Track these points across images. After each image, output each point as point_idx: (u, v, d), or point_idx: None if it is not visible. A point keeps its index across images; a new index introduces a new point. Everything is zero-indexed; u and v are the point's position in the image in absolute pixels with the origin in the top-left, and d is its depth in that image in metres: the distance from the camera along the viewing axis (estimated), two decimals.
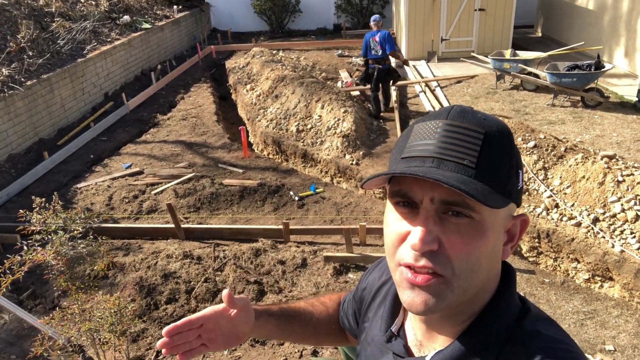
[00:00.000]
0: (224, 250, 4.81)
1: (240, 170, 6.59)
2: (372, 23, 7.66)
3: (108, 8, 11.16)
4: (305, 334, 1.19)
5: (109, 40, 10.06)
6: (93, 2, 11.08)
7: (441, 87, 8.92)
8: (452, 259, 0.72)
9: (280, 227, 4.93)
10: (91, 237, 3.44)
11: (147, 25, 11.39)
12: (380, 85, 7.82)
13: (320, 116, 7.17)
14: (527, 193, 4.94)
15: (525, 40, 11.95)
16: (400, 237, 0.76)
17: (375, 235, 4.94)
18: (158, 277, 4.38)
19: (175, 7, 13.24)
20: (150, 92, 9.84)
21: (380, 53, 7.54)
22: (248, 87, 9.37)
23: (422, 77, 9.50)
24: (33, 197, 3.33)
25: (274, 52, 11.69)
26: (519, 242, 0.93)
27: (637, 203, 4.29)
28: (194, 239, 5.06)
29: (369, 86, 8.01)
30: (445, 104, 8.10)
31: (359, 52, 11.89)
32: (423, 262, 0.72)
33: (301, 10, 14.64)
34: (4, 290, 4.04)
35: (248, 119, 8.40)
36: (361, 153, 6.39)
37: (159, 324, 4.03)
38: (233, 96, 10.19)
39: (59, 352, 3.39)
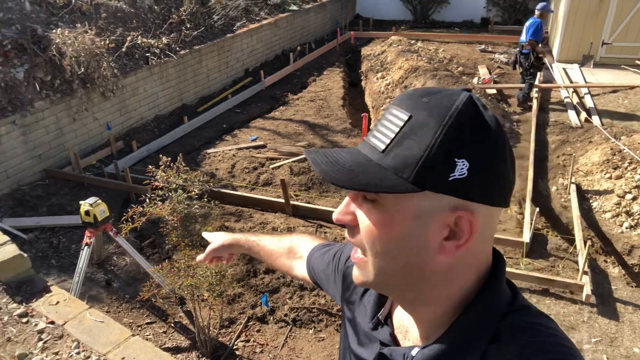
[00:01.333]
0: (325, 233, 4.84)
1: None
2: (536, 8, 7.75)
3: None
4: (266, 263, 1.48)
5: (257, 19, 10.61)
6: None
7: (592, 95, 7.95)
8: (363, 238, 0.75)
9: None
10: (206, 199, 3.66)
11: (294, 7, 11.80)
12: (520, 73, 8.00)
13: None
14: None
15: None
16: None
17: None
18: None
19: None
20: (286, 71, 10.21)
21: (522, 38, 7.70)
22: (379, 75, 9.26)
23: (571, 82, 8.56)
24: (161, 155, 3.62)
25: (412, 42, 11.39)
26: None
27: None
28: (299, 217, 5.17)
29: (505, 85, 7.65)
30: (594, 114, 7.21)
31: (504, 49, 11.12)
32: (346, 233, 0.80)
33: (449, 1, 14.05)
34: (130, 236, 4.50)
35: (373, 107, 8.31)
36: None
37: (255, 291, 4.19)
38: (363, 83, 10.17)
39: (162, 300, 3.69)
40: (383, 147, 0.70)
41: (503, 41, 11.68)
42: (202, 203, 3.62)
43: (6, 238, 3.32)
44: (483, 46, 11.47)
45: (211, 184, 4.80)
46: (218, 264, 1.54)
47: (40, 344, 2.65)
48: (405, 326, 0.85)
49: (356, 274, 0.80)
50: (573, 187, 5.50)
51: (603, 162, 5.66)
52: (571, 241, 4.75)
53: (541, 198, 5.61)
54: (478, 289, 0.76)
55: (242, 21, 10.13)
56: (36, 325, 2.78)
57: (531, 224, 4.78)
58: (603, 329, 3.81)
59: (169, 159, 3.69)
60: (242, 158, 6.46)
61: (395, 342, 0.85)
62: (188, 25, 8.89)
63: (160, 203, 3.59)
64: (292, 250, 1.35)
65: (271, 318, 4.01)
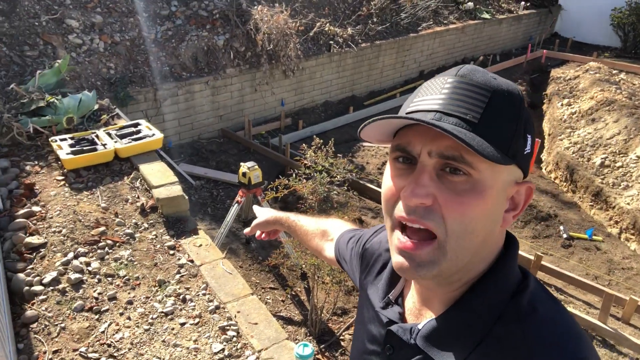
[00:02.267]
0: None
1: None
2: None
3: None
4: (303, 243, 1.50)
5: (445, 22, 10.40)
6: None
7: None
8: (446, 218, 0.69)
9: (532, 257, 4.40)
10: (346, 188, 3.75)
11: (486, 16, 11.29)
12: None
13: (638, 157, 5.94)
14: None
15: None
16: (395, 193, 0.75)
17: None
18: None
19: (522, 3, 12.69)
20: None
21: None
22: (565, 101, 8.41)
23: None
24: (315, 136, 3.79)
25: (614, 72, 10.08)
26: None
27: None
28: None
29: None
30: None
31: None
32: (414, 216, 0.71)
33: None
34: (275, 205, 4.81)
35: (549, 134, 7.60)
36: None
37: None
38: (544, 106, 9.34)
39: (287, 269, 3.90)
40: (475, 119, 0.68)
41: None
42: (341, 190, 3.71)
43: (175, 179, 3.80)
44: None
45: (354, 174, 4.89)
46: (266, 239, 1.61)
47: (177, 276, 3.00)
48: (417, 308, 0.84)
49: (417, 264, 0.72)
50: None
51: None
52: None
53: None
54: (489, 265, 0.76)
55: (429, 22, 10.02)
56: (179, 259, 3.15)
57: None
58: None
59: (321, 141, 3.84)
60: None
61: (403, 321, 0.85)
62: (375, 20, 9.08)
63: (304, 181, 3.77)
64: (326, 232, 1.37)
65: None
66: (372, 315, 0.92)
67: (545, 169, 6.91)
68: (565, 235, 5.05)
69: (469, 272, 0.75)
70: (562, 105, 8.33)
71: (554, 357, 0.66)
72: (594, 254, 4.86)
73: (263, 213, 1.55)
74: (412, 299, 0.86)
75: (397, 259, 0.75)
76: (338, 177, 3.62)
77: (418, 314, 0.83)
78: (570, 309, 3.93)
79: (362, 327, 0.97)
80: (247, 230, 1.58)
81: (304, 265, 3.68)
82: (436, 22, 10.21)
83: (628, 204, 5.39)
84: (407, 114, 0.73)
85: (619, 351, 3.75)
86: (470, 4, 11.29)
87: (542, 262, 4.36)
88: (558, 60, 11.77)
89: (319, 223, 1.43)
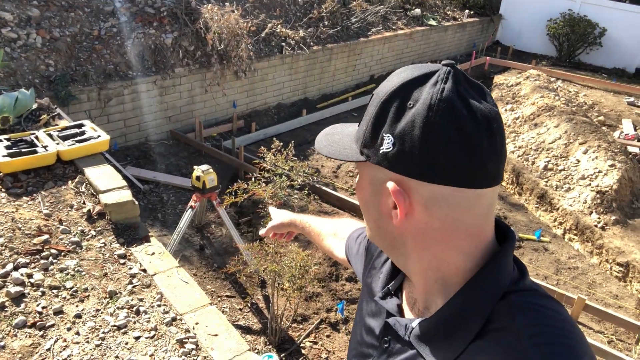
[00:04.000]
0: None
1: None
2: None
3: None
4: (317, 244, 1.51)
5: (393, 27, 10.57)
6: None
7: None
8: None
9: (574, 297, 4.33)
10: (306, 192, 3.67)
11: (433, 22, 11.59)
12: None
13: (578, 160, 6.25)
14: None
15: None
16: None
17: (594, 317, 4.10)
18: None
19: (467, 11, 13.15)
20: None
21: None
22: (508, 107, 8.76)
23: None
24: (274, 139, 3.70)
25: (552, 79, 10.63)
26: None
27: None
28: None
29: None
30: None
31: None
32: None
33: (602, 44, 12.93)
34: (230, 210, 4.66)
35: None
36: (613, 218, 5.35)
37: (333, 295, 4.13)
38: None
39: (245, 277, 3.77)
40: (358, 122, 0.81)
41: None
42: (301, 195, 3.63)
43: (124, 183, 3.57)
44: (632, 99, 10.38)
45: (315, 178, 4.83)
46: (281, 240, 1.61)
47: (129, 287, 2.80)
48: (414, 297, 0.86)
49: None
50: None
51: None
52: None
53: None
54: (481, 267, 0.75)
55: (378, 27, 10.15)
56: (130, 269, 2.95)
57: None
58: None
59: (281, 144, 3.75)
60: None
61: (401, 313, 0.86)
62: (326, 23, 9.08)
63: (263, 185, 3.66)
64: (338, 232, 1.40)
65: (343, 327, 3.92)
66: (371, 307, 0.94)
67: None
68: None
69: (412, 264, 0.80)
70: (505, 110, 8.66)
71: (548, 357, 0.64)
72: (543, 255, 5.04)
73: (280, 215, 1.56)
74: (408, 288, 0.88)
75: None
76: (298, 180, 3.54)
77: (413, 305, 0.85)
78: None
79: (360, 321, 0.98)
80: (262, 231, 1.58)
81: (263, 273, 3.57)
82: (385, 28, 10.37)
83: (570, 205, 5.65)
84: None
85: None
86: (418, 10, 11.55)
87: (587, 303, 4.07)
88: (500, 67, 12.27)
89: (332, 223, 1.45)
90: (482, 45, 13.38)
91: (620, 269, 4.84)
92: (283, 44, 7.92)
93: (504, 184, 6.72)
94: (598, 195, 5.54)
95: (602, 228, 5.25)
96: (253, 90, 7.58)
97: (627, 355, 3.78)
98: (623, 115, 9.31)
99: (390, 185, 0.73)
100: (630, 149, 7.46)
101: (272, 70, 7.74)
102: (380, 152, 0.74)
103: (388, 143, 0.73)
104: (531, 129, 7.41)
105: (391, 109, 0.73)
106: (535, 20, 13.73)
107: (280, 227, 1.53)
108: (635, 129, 8.56)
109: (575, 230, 5.43)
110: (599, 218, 5.35)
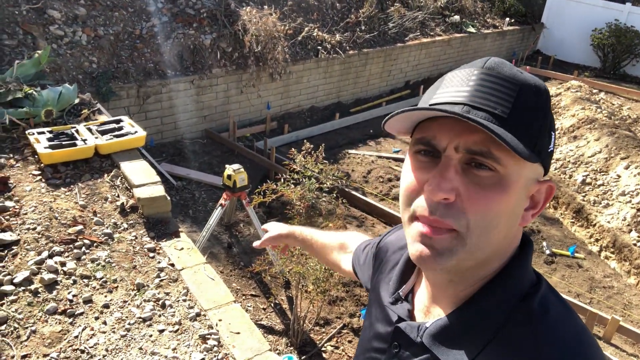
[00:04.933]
0: None
1: None
2: None
3: (444, 4, 11.56)
4: (317, 257, 1.48)
5: (431, 34, 10.47)
6: None
7: None
8: (469, 213, 0.68)
9: (608, 317, 4.22)
10: (334, 195, 3.67)
11: (472, 30, 11.42)
12: None
13: (618, 176, 6.03)
14: None
15: None
16: (417, 187, 0.72)
17: (628, 339, 3.94)
18: None
19: (507, 19, 12.90)
20: None
21: None
22: None
23: None
24: (305, 140, 3.71)
25: (594, 91, 10.29)
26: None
27: None
28: None
29: None
30: None
31: None
32: (437, 214, 0.69)
33: None
34: (259, 209, 4.70)
35: None
36: None
37: (357, 301, 4.11)
38: None
39: (270, 277, 3.79)
40: (504, 114, 0.66)
41: None
42: (330, 198, 3.63)
43: (158, 179, 3.66)
44: None
45: (344, 182, 4.82)
46: (278, 250, 1.60)
47: (157, 280, 2.86)
48: (426, 305, 0.82)
49: (436, 253, 0.70)
50: None
51: None
52: None
53: None
54: (504, 263, 0.74)
55: (416, 33, 10.07)
56: (159, 262, 3.02)
57: None
58: None
59: (312, 146, 3.76)
60: (380, 167, 6.40)
61: (412, 318, 0.83)
62: (363, 27, 9.07)
63: (292, 186, 3.68)
64: (344, 245, 1.34)
65: None
66: (380, 313, 0.91)
67: None
68: (548, 252, 5.07)
69: (484, 268, 0.74)
70: None
71: None
72: (576, 272, 4.88)
73: (275, 227, 1.50)
74: (422, 296, 0.85)
75: (416, 247, 0.72)
76: (327, 183, 3.54)
77: (427, 311, 0.82)
78: None
79: (369, 327, 0.95)
80: (256, 243, 1.51)
81: (288, 274, 3.58)
82: (423, 34, 10.27)
83: (608, 222, 5.45)
84: (430, 104, 0.71)
85: None
86: (457, 17, 11.40)
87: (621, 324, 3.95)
88: (541, 77, 11.97)
89: (336, 236, 1.39)
90: (522, 54, 13.09)
91: None
92: (319, 47, 7.96)
93: None
94: (639, 213, 5.33)
95: None
96: (287, 93, 7.64)
97: None
98: None
99: (543, 183, 0.73)
100: None
101: (307, 74, 7.78)
102: (549, 150, 0.72)
103: (553, 141, 0.73)
104: (570, 142, 7.20)
105: (549, 106, 0.72)
106: (579, 30, 13.35)
107: (277, 238, 1.46)
108: None
109: (612, 248, 5.23)
110: (639, 237, 5.14)
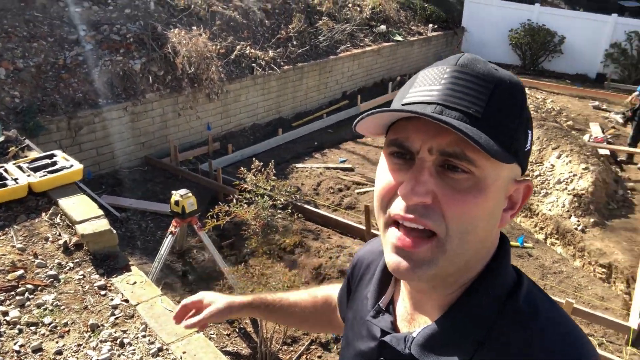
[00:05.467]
0: None
1: None
2: None
3: (369, 16, 11.89)
4: (290, 323, 1.33)
5: (361, 44, 10.71)
6: (358, 9, 11.94)
7: None
8: (447, 217, 0.65)
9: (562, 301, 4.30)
10: (289, 211, 3.61)
11: (399, 38, 11.80)
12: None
13: (552, 165, 6.37)
14: None
15: None
16: (391, 190, 0.69)
17: (583, 320, 4.11)
18: (335, 271, 4.41)
19: (430, 25, 13.44)
20: (382, 99, 10.14)
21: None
22: None
23: None
24: (254, 158, 3.64)
25: None
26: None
27: None
28: None
29: (620, 148, 7.10)
30: None
31: (620, 108, 10.31)
32: (413, 215, 0.66)
33: (562, 52, 13.38)
34: (212, 233, 4.55)
35: None
36: (591, 220, 5.44)
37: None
38: None
39: None
40: (478, 113, 0.64)
41: (620, 100, 10.86)
42: (285, 214, 3.56)
43: (101, 212, 3.45)
44: (597, 103, 10.74)
45: (297, 197, 4.77)
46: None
47: (112, 318, 2.67)
48: (409, 313, 0.79)
49: (415, 263, 0.67)
50: None
51: None
52: None
53: None
54: (486, 264, 0.73)
55: (346, 45, 10.26)
56: (112, 300, 2.82)
57: None
58: None
59: (261, 163, 3.69)
60: (329, 178, 6.41)
61: (395, 330, 0.79)
62: (294, 43, 9.14)
63: (245, 206, 3.58)
64: (327, 299, 1.16)
65: (335, 347, 3.84)
66: (360, 330, 0.85)
67: None
68: None
69: (466, 272, 0.71)
70: None
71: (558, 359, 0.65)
72: (527, 261, 5.07)
73: (216, 299, 1.15)
74: (403, 305, 0.81)
75: (392, 259, 0.69)
76: (281, 199, 3.48)
77: (411, 320, 0.78)
78: None
79: (348, 347, 0.89)
80: (185, 323, 1.11)
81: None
82: (353, 45, 10.49)
83: (550, 210, 5.73)
84: (403, 104, 0.68)
85: None
86: (383, 27, 11.75)
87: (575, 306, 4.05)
88: None
89: (312, 292, 1.20)
90: None
91: (603, 270, 4.91)
92: (253, 64, 7.91)
93: None
94: (575, 199, 5.64)
95: (582, 231, 5.33)
96: (227, 112, 7.51)
97: (618, 357, 3.80)
98: (590, 119, 9.60)
99: (521, 183, 0.71)
100: (600, 151, 7.66)
101: (245, 91, 7.71)
102: (525, 149, 0.69)
103: (530, 140, 0.70)
104: None
105: (525, 104, 0.69)
106: (497, 31, 14.14)
107: (224, 313, 1.12)
108: (603, 132, 8.82)
109: (557, 235, 5.49)
110: (579, 221, 5.43)
